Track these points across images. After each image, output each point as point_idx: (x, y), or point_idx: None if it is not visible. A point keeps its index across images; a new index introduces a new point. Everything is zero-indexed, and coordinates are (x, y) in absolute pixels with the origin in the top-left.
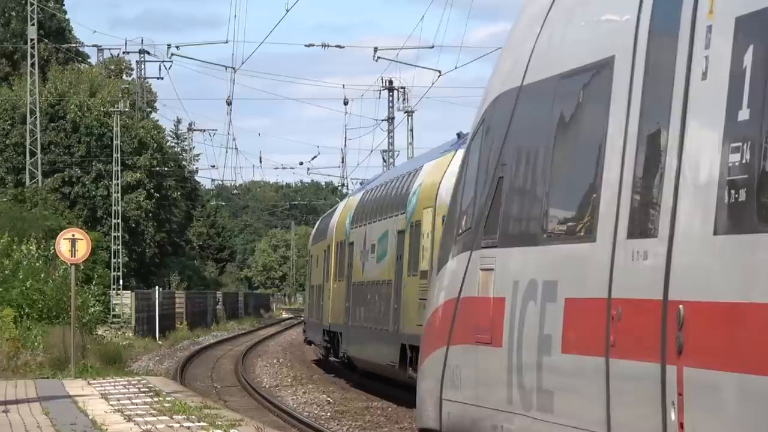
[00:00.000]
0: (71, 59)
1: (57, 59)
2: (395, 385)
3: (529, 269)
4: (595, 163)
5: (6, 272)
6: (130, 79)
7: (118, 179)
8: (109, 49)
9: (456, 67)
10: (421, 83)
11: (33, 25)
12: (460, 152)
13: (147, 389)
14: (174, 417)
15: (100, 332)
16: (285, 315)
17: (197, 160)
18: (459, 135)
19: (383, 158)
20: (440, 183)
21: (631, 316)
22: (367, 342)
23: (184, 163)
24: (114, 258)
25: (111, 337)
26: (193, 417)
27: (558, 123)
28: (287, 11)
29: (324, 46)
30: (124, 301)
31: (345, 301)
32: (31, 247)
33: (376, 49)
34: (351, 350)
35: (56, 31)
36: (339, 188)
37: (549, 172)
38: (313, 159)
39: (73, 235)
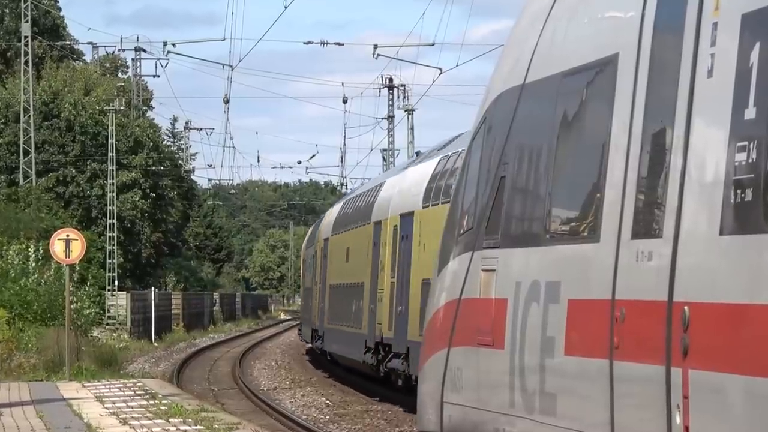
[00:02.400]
0: (66, 57)
1: (51, 57)
2: (396, 389)
3: (531, 270)
4: (598, 163)
5: None
6: (125, 77)
7: (113, 179)
8: (105, 46)
9: (457, 65)
10: (422, 81)
11: (27, 22)
12: (337, 206)
13: (143, 392)
14: (170, 420)
15: (95, 334)
16: (283, 316)
17: (194, 159)
18: (346, 194)
19: (383, 157)
20: (321, 227)
21: (636, 317)
22: (306, 328)
23: (180, 162)
24: (109, 258)
25: (106, 339)
26: (190, 420)
27: (561, 122)
28: (285, 8)
29: (323, 43)
30: (120, 302)
31: (302, 300)
32: (24, 248)
33: (376, 47)
34: (303, 334)
35: (50, 28)
36: (338, 188)
37: (552, 172)
38: (311, 158)
39: (68, 236)
